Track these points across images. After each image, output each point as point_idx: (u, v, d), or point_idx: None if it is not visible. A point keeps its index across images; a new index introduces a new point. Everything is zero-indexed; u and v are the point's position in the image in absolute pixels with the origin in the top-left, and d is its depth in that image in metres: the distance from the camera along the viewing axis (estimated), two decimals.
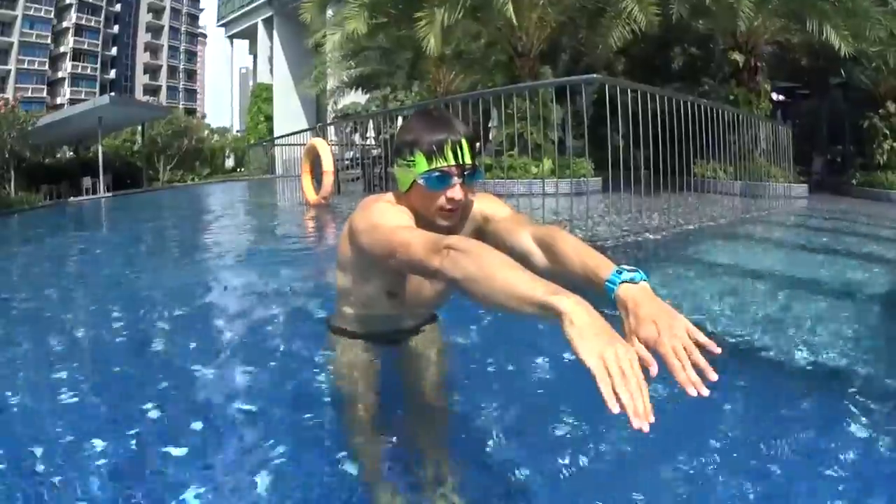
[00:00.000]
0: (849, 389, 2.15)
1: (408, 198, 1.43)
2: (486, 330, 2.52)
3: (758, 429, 1.86)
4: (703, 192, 8.51)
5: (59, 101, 48.14)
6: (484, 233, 1.53)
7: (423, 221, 1.41)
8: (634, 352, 0.89)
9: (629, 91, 6.20)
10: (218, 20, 41.23)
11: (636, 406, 0.83)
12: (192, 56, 66.82)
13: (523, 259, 1.33)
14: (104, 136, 19.80)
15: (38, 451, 1.69)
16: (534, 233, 1.38)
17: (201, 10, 68.67)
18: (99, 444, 1.72)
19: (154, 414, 1.90)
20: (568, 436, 1.73)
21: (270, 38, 34.85)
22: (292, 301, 3.30)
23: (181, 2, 64.43)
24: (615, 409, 0.83)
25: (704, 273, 4.22)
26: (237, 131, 41.97)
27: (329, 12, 14.12)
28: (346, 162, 14.27)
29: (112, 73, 56.35)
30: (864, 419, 1.88)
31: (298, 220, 8.76)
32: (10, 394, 2.10)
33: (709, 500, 1.50)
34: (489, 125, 15.71)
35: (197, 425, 1.82)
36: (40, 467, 1.60)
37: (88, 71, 53.85)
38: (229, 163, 34.28)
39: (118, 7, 56.44)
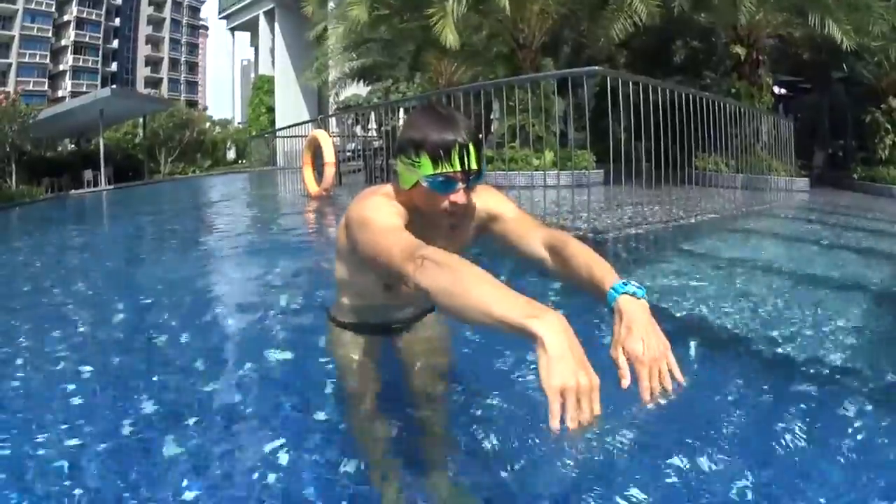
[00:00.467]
0: (848, 382, 2.16)
1: (409, 194, 1.41)
2: None
3: (757, 418, 1.87)
4: (705, 185, 8.50)
5: (60, 94, 48.01)
6: (489, 231, 1.53)
7: (421, 217, 1.41)
8: (597, 384, 0.91)
9: (631, 83, 6.16)
10: (219, 12, 41.16)
11: (574, 434, 0.88)
12: (193, 48, 66.63)
13: (532, 262, 1.43)
14: (105, 128, 19.81)
15: (39, 439, 1.70)
16: (543, 238, 1.42)
17: (202, 2, 68.48)
18: (98, 435, 1.73)
19: (152, 407, 1.91)
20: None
21: (272, 29, 34.80)
22: (293, 292, 3.30)
23: None
24: (555, 429, 0.87)
25: (704, 266, 4.22)
26: (239, 123, 41.97)
27: (331, 4, 14.08)
28: (348, 153, 14.25)
29: (113, 66, 56.20)
30: (864, 412, 1.89)
31: (300, 211, 8.76)
32: (9, 387, 2.12)
33: (707, 495, 1.50)
34: (491, 117, 15.65)
35: (196, 418, 1.84)
36: (40, 460, 1.61)
37: (90, 64, 53.71)
38: (231, 155, 34.32)
39: (119, 0, 56.29)
